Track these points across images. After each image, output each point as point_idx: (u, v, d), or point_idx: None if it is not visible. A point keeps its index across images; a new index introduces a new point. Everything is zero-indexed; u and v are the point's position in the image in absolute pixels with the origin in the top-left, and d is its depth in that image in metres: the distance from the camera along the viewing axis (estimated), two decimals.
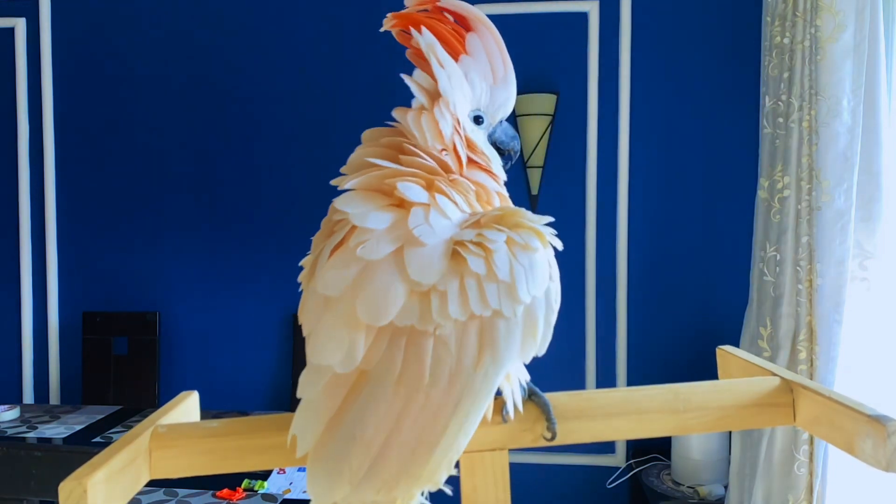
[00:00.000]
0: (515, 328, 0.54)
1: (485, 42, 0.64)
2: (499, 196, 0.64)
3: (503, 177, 0.66)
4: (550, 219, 0.58)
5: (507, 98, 0.66)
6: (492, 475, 0.60)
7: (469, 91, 0.64)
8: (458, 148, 0.61)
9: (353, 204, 0.57)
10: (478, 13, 0.64)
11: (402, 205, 0.56)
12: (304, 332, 0.56)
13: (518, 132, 2.75)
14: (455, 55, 0.63)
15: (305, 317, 0.56)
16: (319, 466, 0.51)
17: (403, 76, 0.62)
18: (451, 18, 0.65)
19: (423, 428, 0.51)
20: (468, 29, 0.64)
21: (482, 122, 0.66)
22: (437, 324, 0.52)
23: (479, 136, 0.66)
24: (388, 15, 0.64)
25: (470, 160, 0.63)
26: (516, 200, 0.65)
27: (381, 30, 0.66)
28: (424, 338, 0.52)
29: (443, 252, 0.54)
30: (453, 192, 0.59)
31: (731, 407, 0.62)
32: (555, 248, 0.59)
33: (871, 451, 0.54)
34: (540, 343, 0.56)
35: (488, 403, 0.54)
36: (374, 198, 0.57)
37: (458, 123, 0.62)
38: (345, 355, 0.52)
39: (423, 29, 0.62)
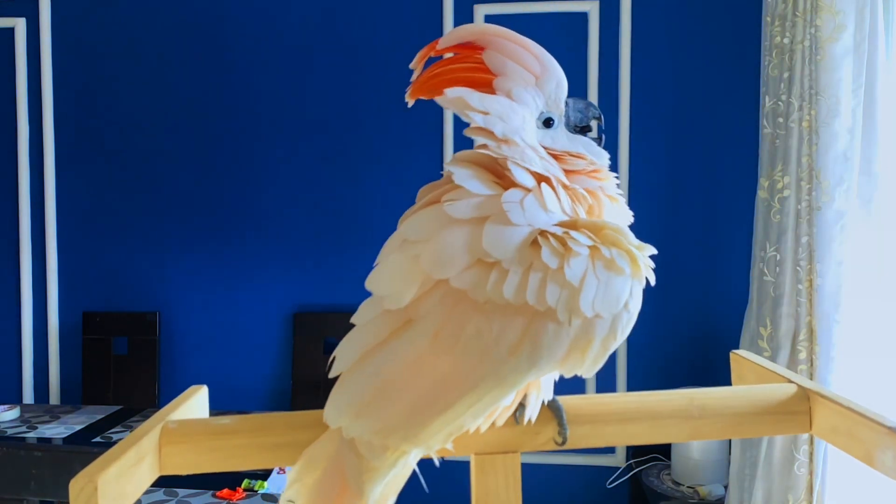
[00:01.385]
0: (565, 336, 0.52)
1: (503, 50, 0.60)
2: (610, 201, 0.61)
3: (604, 157, 0.63)
4: (654, 250, 0.56)
5: (557, 82, 0.62)
6: (503, 477, 0.60)
7: (522, 108, 0.60)
8: (555, 173, 0.59)
9: (461, 168, 0.57)
10: (478, 28, 0.60)
11: (507, 186, 0.56)
12: (375, 263, 0.57)
13: None
14: (487, 85, 0.60)
15: (383, 250, 0.57)
16: (341, 390, 0.54)
17: (466, 132, 0.59)
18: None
19: (438, 391, 0.51)
20: (481, 49, 0.60)
21: (553, 121, 0.62)
22: (488, 298, 0.52)
23: (560, 135, 0.62)
24: (406, 95, 0.61)
25: (568, 172, 0.60)
26: None
27: (409, 106, 0.63)
28: (472, 306, 0.52)
29: (524, 236, 0.53)
30: (563, 193, 0.58)
31: (746, 414, 0.61)
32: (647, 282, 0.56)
33: (891, 464, 0.53)
34: (588, 364, 0.54)
35: (508, 397, 0.53)
36: (484, 172, 0.57)
37: (536, 150, 0.59)
38: (396, 291, 0.53)
39: (445, 91, 0.58)
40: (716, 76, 2.73)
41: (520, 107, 0.59)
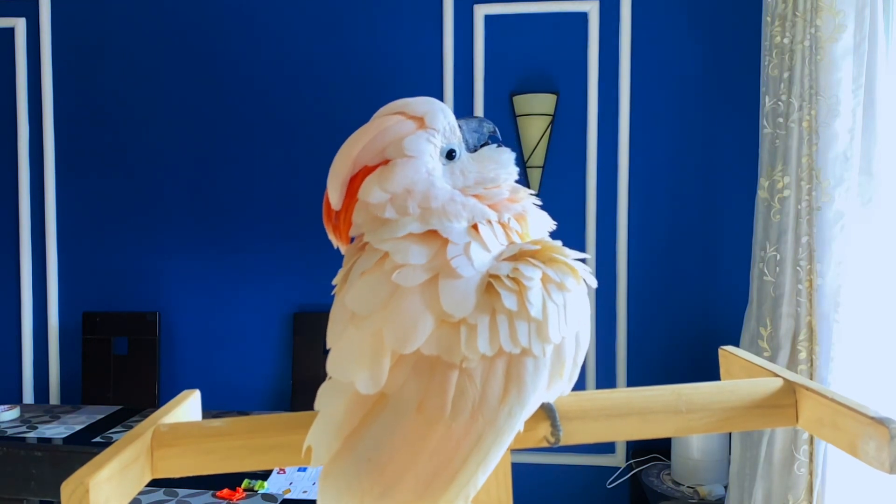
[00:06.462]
0: (543, 367, 0.53)
1: (372, 146, 0.58)
2: (529, 214, 0.62)
3: (511, 161, 0.63)
4: (585, 255, 0.58)
5: (442, 112, 0.61)
6: (493, 476, 0.59)
7: (421, 158, 0.59)
8: (483, 213, 0.59)
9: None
10: (341, 163, 0.59)
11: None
12: (328, 344, 0.55)
13: (518, 132, 2.76)
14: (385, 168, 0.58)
15: (331, 328, 0.55)
16: (331, 483, 0.51)
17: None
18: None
19: (442, 460, 0.50)
20: (362, 169, 0.59)
21: (455, 152, 0.61)
22: (464, 357, 0.51)
23: (467, 164, 0.62)
24: (342, 248, 0.62)
25: (491, 205, 0.60)
26: None
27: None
28: (450, 369, 0.51)
29: (477, 285, 0.53)
30: (497, 227, 0.58)
31: (733, 408, 0.62)
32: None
33: (874, 454, 0.54)
34: (566, 382, 0.56)
35: (510, 441, 0.52)
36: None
37: (454, 201, 0.58)
38: (367, 377, 0.51)
39: (352, 220, 0.59)
40: (716, 76, 2.73)
41: (419, 160, 0.58)
